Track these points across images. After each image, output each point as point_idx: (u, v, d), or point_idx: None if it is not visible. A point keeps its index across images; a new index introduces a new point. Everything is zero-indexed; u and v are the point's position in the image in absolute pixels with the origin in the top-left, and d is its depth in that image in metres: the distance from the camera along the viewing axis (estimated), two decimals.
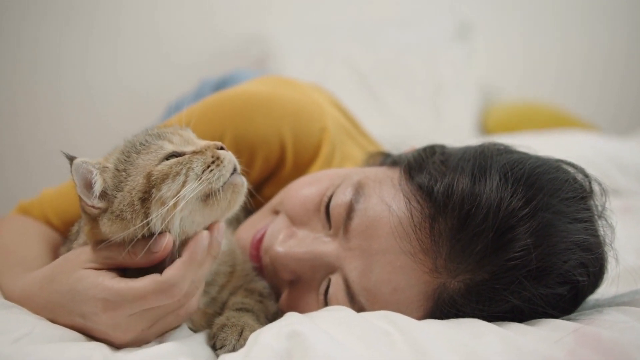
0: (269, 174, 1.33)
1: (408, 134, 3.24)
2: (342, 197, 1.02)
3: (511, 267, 0.89)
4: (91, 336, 0.89)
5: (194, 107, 1.31)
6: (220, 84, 1.99)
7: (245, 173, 1.25)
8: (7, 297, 0.99)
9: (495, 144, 1.03)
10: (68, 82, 3.08)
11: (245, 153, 1.27)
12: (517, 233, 0.89)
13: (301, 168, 1.33)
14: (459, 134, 3.23)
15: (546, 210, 0.91)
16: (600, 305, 1.01)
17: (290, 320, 0.90)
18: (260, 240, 1.13)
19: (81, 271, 0.88)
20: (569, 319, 0.93)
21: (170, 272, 0.85)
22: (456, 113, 3.34)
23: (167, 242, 0.86)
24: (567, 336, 0.84)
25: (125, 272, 0.89)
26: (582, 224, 0.94)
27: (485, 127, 3.36)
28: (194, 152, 0.91)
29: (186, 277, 0.86)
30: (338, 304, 0.99)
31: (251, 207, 1.07)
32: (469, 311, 0.92)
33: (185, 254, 0.87)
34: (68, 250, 0.98)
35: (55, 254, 1.13)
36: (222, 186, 0.90)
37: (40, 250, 1.12)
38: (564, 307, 0.95)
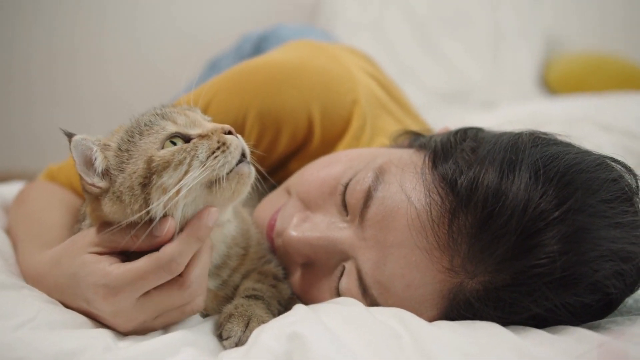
0: (295, 149, 1.28)
1: (465, 86, 3.13)
2: (361, 183, 0.97)
3: (534, 275, 0.82)
4: (98, 321, 0.89)
5: (217, 79, 1.27)
6: (261, 40, 1.95)
7: (271, 148, 1.23)
8: (23, 273, 1.00)
9: (533, 133, 0.93)
10: (112, 23, 3.05)
11: (271, 128, 1.22)
12: (544, 238, 0.81)
13: (329, 143, 1.27)
14: (518, 88, 3.08)
15: (580, 212, 0.82)
16: (632, 311, 0.93)
17: (295, 317, 0.86)
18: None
19: (84, 256, 0.87)
20: (598, 326, 0.87)
21: (168, 247, 0.83)
22: (517, 65, 3.18)
23: (169, 226, 0.84)
24: (590, 351, 0.78)
25: (130, 257, 0.87)
26: (621, 228, 0.84)
27: (547, 82, 3.17)
28: (200, 136, 0.87)
29: (184, 253, 0.83)
30: (350, 294, 0.95)
31: (264, 190, 1.03)
32: (486, 317, 0.87)
33: (186, 230, 0.84)
34: (78, 231, 0.97)
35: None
36: (227, 174, 0.85)
37: (61, 221, 1.12)
38: (591, 317, 0.89)
